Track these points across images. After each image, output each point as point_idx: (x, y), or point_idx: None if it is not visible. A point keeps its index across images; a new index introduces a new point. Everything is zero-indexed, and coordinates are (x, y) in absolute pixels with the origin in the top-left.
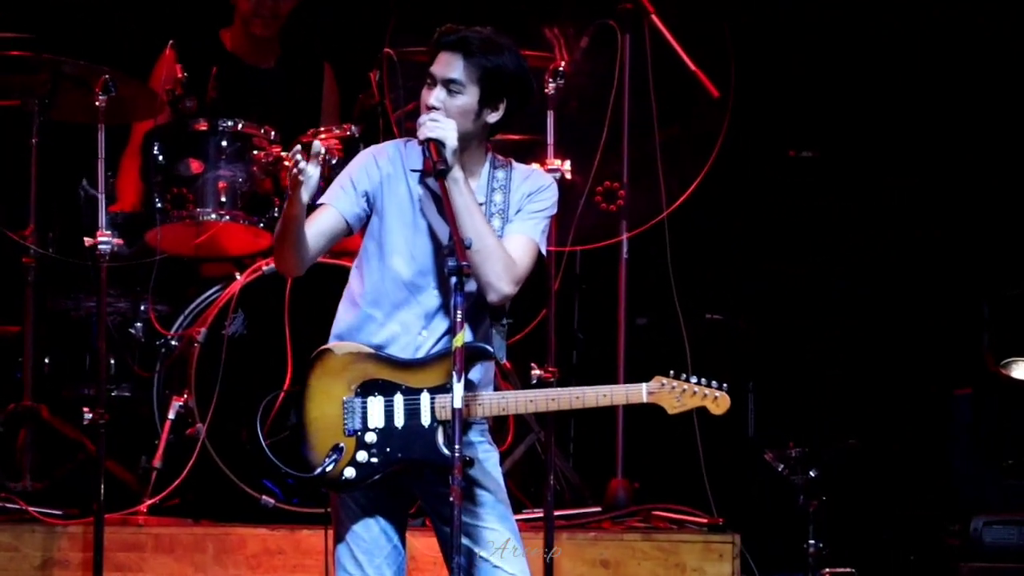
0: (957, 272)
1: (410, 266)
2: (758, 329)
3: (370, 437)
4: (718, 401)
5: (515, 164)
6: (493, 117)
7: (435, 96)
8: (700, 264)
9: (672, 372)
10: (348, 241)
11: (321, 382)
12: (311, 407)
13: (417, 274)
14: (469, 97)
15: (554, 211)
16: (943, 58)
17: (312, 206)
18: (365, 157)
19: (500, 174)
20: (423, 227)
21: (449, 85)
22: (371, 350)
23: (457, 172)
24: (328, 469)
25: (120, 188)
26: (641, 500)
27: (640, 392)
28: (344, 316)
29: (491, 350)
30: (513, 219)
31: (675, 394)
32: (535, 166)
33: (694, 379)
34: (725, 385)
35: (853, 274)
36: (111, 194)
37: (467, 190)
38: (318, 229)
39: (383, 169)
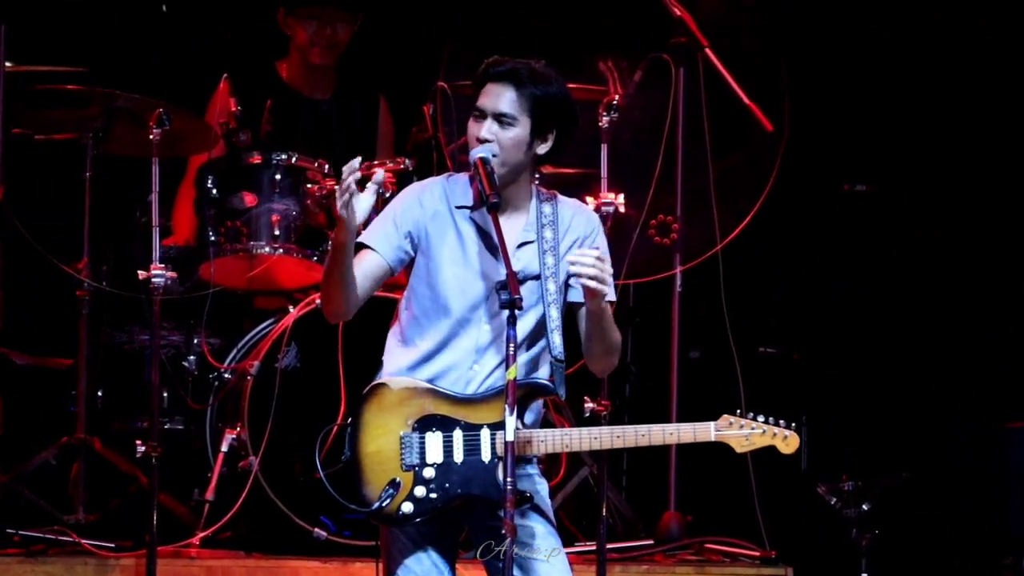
0: (1013, 307)
1: (461, 301)
2: (811, 363)
3: (428, 472)
4: (788, 441)
5: (560, 197)
6: (543, 148)
7: (487, 128)
8: (753, 298)
9: (739, 411)
10: (399, 275)
11: (376, 417)
12: (366, 441)
13: (468, 309)
14: (521, 129)
15: (607, 245)
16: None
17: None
18: (410, 196)
19: (547, 208)
20: (473, 261)
21: (501, 118)
22: (427, 385)
23: (609, 312)
24: (385, 504)
25: (175, 221)
26: (694, 533)
27: (708, 430)
28: (394, 352)
29: (551, 386)
30: None
31: (743, 433)
32: (587, 204)
33: (762, 418)
34: (794, 424)
35: (909, 307)
36: (165, 227)
37: (611, 316)
38: (363, 273)
39: (428, 208)
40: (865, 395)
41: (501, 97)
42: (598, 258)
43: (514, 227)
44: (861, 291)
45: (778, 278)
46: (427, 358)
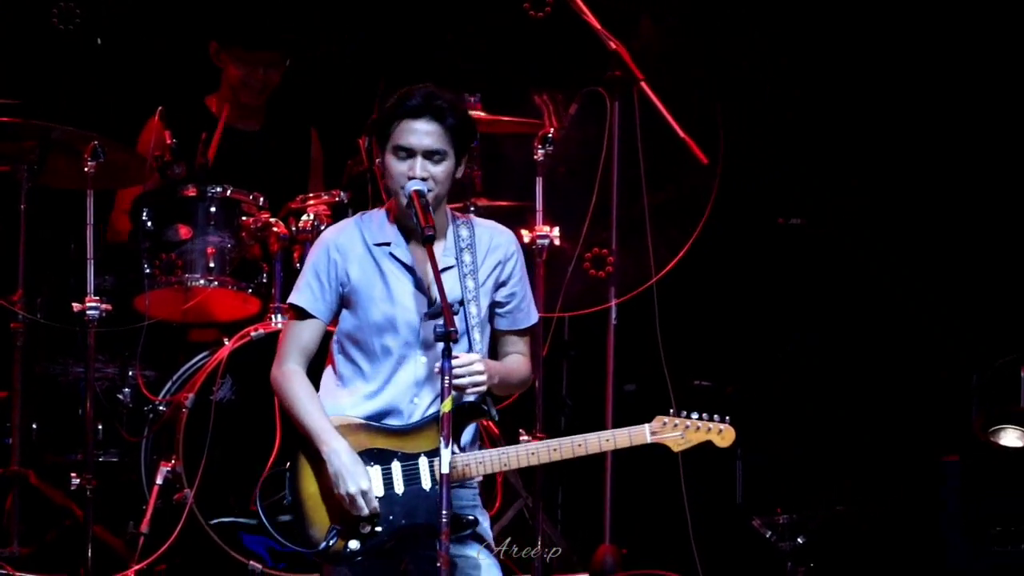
0: (946, 340)
1: (394, 340)
2: (745, 395)
3: None
4: (723, 434)
5: (474, 219)
6: (460, 172)
7: (421, 167)
8: (688, 331)
9: (672, 410)
10: None
11: (314, 458)
12: (306, 484)
13: (403, 346)
14: (449, 161)
15: (524, 264)
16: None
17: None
18: (325, 248)
19: (464, 232)
20: (400, 298)
21: (432, 155)
22: (360, 420)
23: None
24: (332, 543)
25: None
26: (629, 566)
27: (643, 433)
28: (333, 393)
29: (486, 408)
30: (506, 303)
31: (679, 431)
32: (523, 236)
33: (695, 415)
34: (728, 417)
35: (843, 341)
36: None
37: (505, 384)
38: (311, 344)
39: (346, 253)
40: (799, 428)
41: (427, 134)
42: (464, 364)
43: (436, 250)
44: (795, 324)
45: (713, 311)
46: (368, 397)
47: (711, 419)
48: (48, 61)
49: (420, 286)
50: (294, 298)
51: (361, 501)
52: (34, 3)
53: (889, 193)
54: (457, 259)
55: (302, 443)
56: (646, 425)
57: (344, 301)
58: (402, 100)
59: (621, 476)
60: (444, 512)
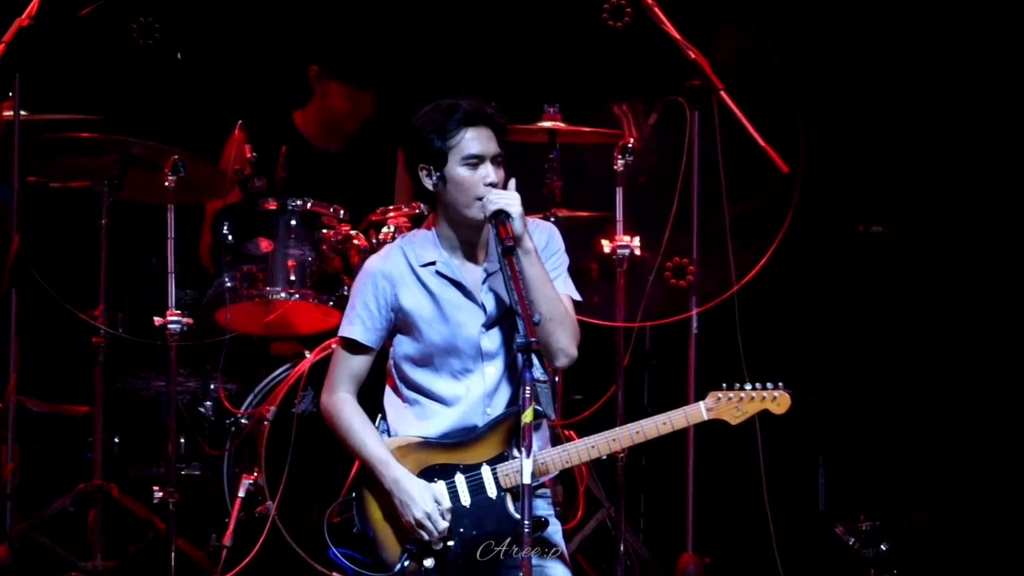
0: None
1: (458, 358)
2: (828, 403)
3: None
4: (778, 401)
5: None
6: None
7: (493, 173)
8: (770, 339)
9: (725, 384)
10: None
11: (378, 483)
12: (372, 509)
13: (467, 362)
14: (503, 165)
15: (566, 254)
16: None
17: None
18: (371, 277)
19: None
20: (454, 315)
21: (497, 159)
22: (418, 438)
23: (528, 242)
24: (407, 564)
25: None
26: (712, 575)
27: (699, 411)
28: (401, 418)
29: (540, 408)
30: None
31: (733, 404)
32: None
33: (749, 385)
34: (782, 384)
35: (925, 347)
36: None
37: (539, 260)
38: (362, 373)
39: (394, 280)
40: (882, 435)
41: (491, 140)
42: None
43: (479, 260)
44: (877, 332)
45: (794, 319)
46: (442, 416)
47: (764, 387)
48: (128, 76)
49: (472, 298)
50: (346, 331)
51: (429, 525)
52: (114, 18)
53: (971, 196)
54: (501, 263)
55: (363, 471)
56: (700, 403)
57: (399, 327)
58: (454, 110)
59: (703, 484)
60: (527, 522)
